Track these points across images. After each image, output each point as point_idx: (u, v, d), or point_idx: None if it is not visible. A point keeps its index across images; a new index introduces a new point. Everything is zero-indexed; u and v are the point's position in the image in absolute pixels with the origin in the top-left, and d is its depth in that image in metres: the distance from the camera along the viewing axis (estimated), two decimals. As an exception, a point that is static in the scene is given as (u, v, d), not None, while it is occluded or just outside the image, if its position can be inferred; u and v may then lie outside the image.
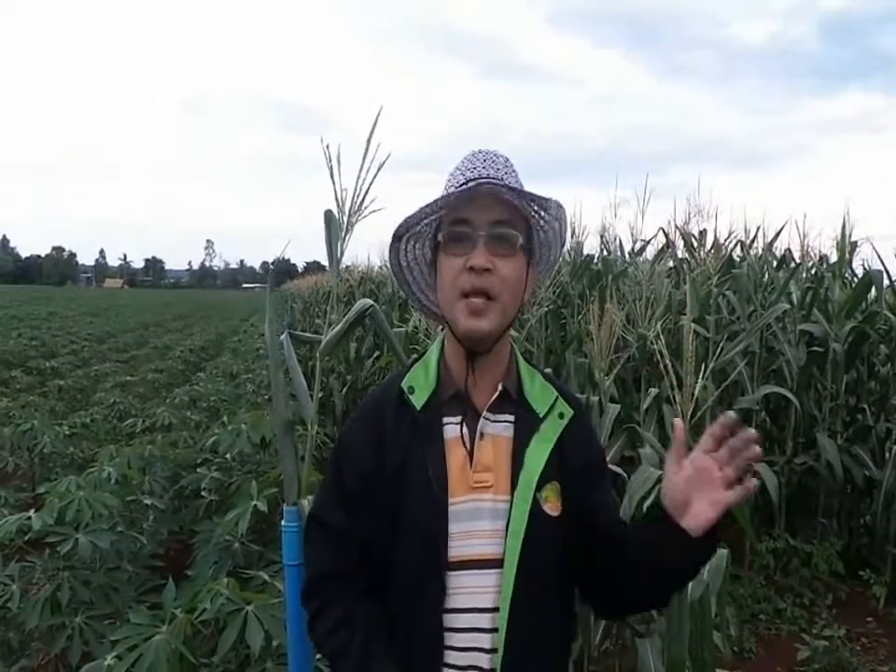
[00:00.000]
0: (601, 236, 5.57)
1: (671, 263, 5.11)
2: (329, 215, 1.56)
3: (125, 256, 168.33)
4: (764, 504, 3.97)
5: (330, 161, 1.51)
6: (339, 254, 1.58)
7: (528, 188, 1.00)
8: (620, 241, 5.55)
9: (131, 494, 2.97)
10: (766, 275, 5.23)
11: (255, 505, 2.48)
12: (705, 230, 5.52)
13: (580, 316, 4.07)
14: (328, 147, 1.49)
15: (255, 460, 3.42)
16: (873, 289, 4.57)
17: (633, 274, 4.82)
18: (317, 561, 1.07)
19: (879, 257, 4.53)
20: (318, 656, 1.75)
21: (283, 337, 1.69)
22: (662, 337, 2.46)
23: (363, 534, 1.00)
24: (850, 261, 4.78)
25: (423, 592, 0.96)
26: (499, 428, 1.01)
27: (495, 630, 0.95)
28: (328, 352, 1.67)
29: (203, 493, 3.16)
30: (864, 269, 4.66)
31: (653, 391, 3.25)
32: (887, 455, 4.12)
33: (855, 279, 4.80)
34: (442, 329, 1.06)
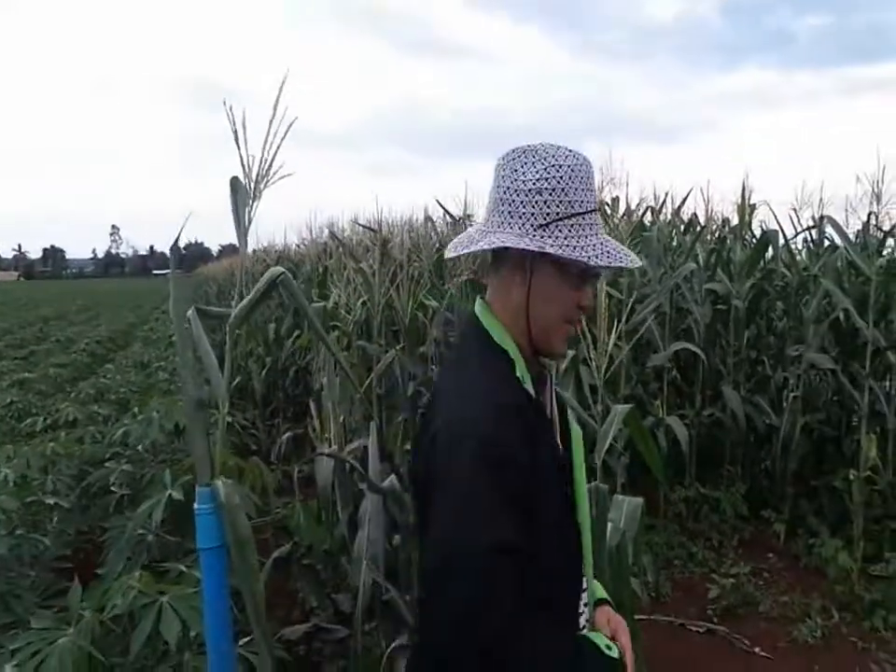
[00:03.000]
0: None
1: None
2: (234, 182, 1.50)
3: (20, 246, 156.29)
4: (676, 456, 4.18)
5: (235, 124, 1.45)
6: (246, 222, 1.52)
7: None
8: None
9: (31, 495, 2.77)
10: (675, 239, 5.46)
11: (169, 494, 2.38)
12: (617, 197, 5.74)
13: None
14: (230, 108, 1.43)
15: (169, 449, 3.26)
16: (770, 249, 4.88)
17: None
18: (508, 597, 0.84)
19: (776, 218, 4.85)
20: (244, 641, 1.71)
21: (189, 313, 1.63)
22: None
23: (532, 545, 0.88)
24: (750, 224, 5.11)
25: (568, 580, 1.01)
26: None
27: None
28: (238, 325, 1.61)
29: (112, 488, 2.98)
30: (762, 230, 4.98)
31: (570, 353, 3.32)
32: (784, 403, 4.43)
33: (754, 240, 5.07)
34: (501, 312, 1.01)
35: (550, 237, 0.93)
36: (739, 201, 5.07)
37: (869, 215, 4.24)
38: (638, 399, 4.21)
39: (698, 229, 5.25)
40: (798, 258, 5.07)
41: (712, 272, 4.77)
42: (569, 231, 0.93)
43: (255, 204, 1.51)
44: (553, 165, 0.94)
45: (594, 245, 0.93)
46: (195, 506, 1.45)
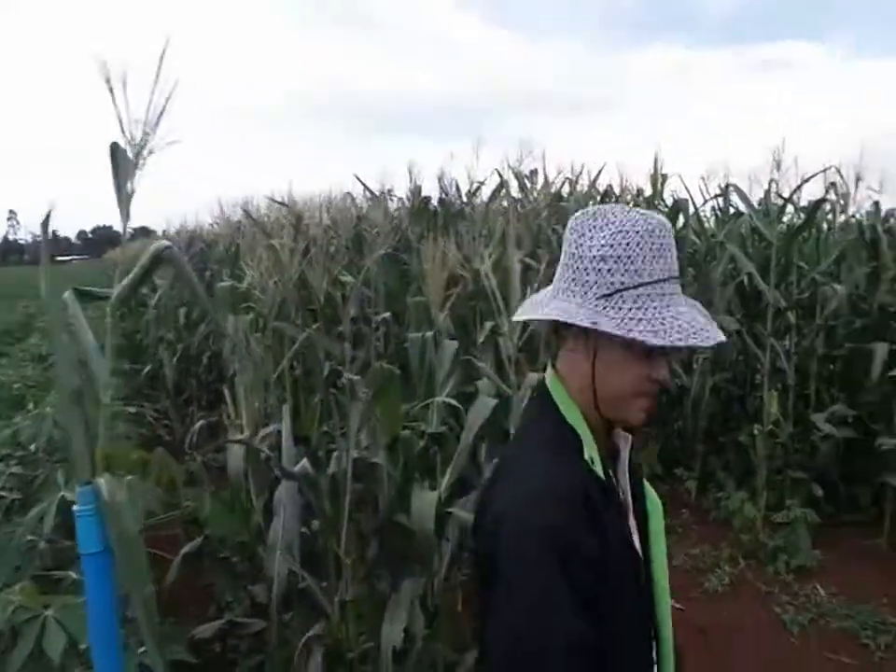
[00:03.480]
0: (439, 180, 5.64)
1: (505, 203, 5.26)
2: (114, 148, 1.38)
3: None
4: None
5: (110, 80, 1.31)
6: (129, 191, 1.40)
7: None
8: (457, 184, 5.64)
9: None
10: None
11: (62, 496, 2.21)
12: (536, 169, 5.79)
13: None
14: (105, 62, 1.29)
15: (67, 447, 3.02)
16: (681, 217, 5.05)
17: (469, 215, 4.90)
18: None
19: (686, 188, 5.05)
20: (141, 649, 1.59)
21: (66, 294, 1.48)
22: (491, 273, 2.48)
23: (601, 641, 0.83)
24: (662, 193, 5.28)
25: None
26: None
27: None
28: (119, 305, 1.51)
29: (0, 493, 2.74)
30: (673, 199, 5.16)
31: (489, 324, 3.29)
32: (695, 365, 4.60)
33: (666, 208, 5.21)
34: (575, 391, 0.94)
35: (613, 308, 0.87)
36: (652, 172, 5.23)
37: (770, 182, 4.41)
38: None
39: (613, 199, 5.34)
40: (707, 225, 5.26)
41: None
42: (634, 302, 0.87)
43: (138, 173, 1.40)
44: (621, 231, 0.88)
45: (662, 319, 0.86)
46: (74, 508, 1.32)
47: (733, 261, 4.52)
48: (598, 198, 5.64)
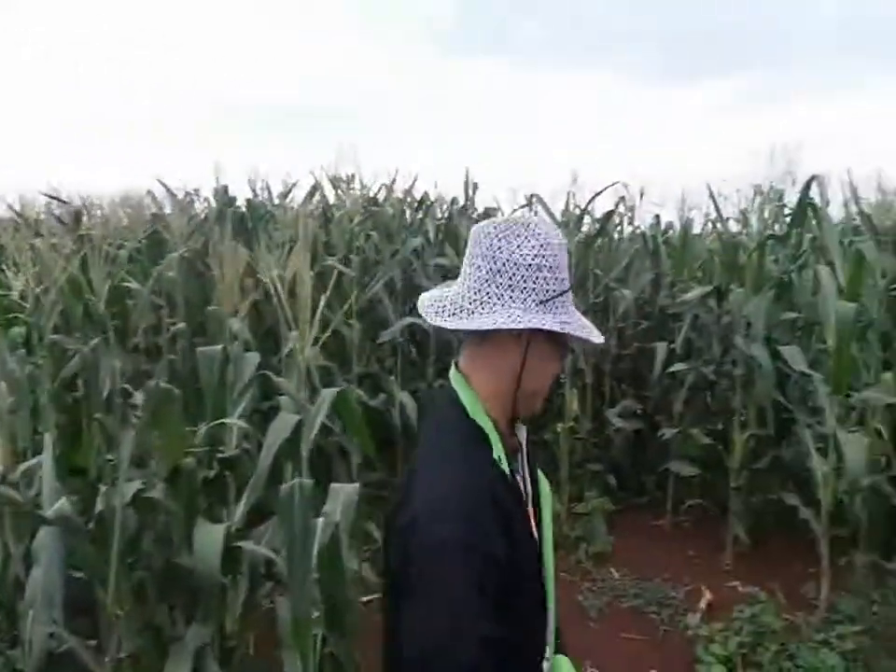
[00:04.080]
0: (248, 180, 5.35)
1: (321, 207, 5.11)
2: None
3: None
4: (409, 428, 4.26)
5: None
6: None
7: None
8: (268, 185, 5.38)
9: None
10: (408, 216, 5.58)
11: None
12: (353, 174, 5.70)
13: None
14: None
15: None
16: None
17: (280, 218, 4.67)
18: None
19: (495, 198, 5.30)
20: None
21: None
22: (280, 281, 2.33)
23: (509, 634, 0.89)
24: (474, 201, 5.47)
25: (533, 657, 0.99)
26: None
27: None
28: None
29: None
30: (485, 208, 5.37)
31: (294, 335, 3.13)
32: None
33: (477, 216, 5.39)
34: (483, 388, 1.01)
35: (549, 313, 0.97)
36: (464, 181, 5.41)
37: (569, 194, 4.75)
38: (374, 376, 4.21)
39: (428, 206, 5.42)
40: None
41: (440, 247, 4.95)
42: (561, 307, 0.98)
43: None
44: (548, 243, 0.97)
45: (576, 321, 1.00)
46: None
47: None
48: (414, 204, 5.70)
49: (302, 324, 1.96)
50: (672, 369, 4.17)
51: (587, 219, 4.99)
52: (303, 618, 1.62)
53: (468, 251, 1.01)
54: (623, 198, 5.11)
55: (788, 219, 4.03)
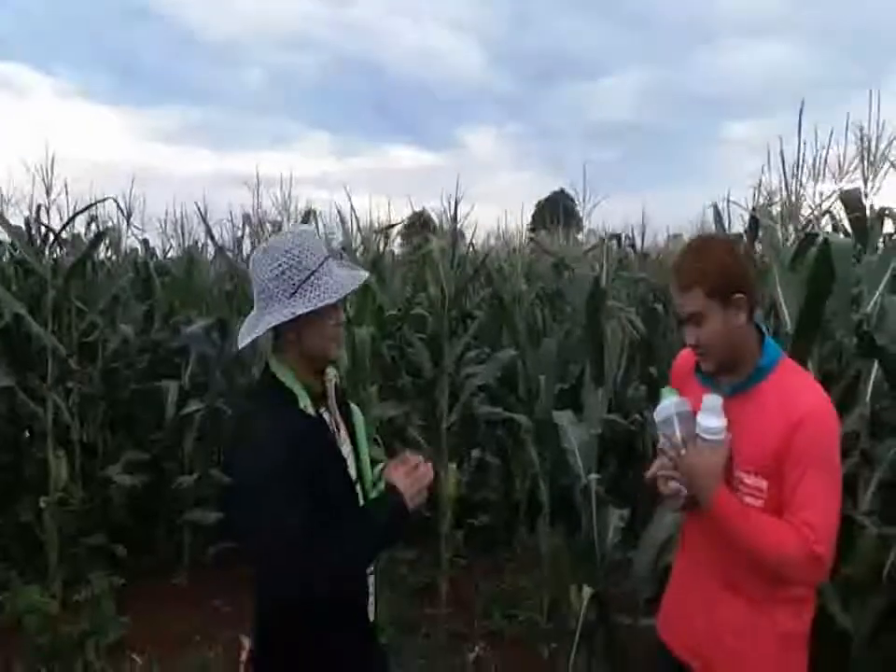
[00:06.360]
0: None
1: None
2: None
3: None
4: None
5: None
6: None
7: None
8: None
9: None
10: None
11: None
12: None
13: None
14: None
15: None
16: None
17: None
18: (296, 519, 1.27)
19: None
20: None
21: None
22: None
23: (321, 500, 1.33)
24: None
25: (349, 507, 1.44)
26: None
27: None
28: None
29: None
30: None
31: None
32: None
33: None
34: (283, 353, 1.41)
35: (302, 298, 1.33)
36: None
37: (38, 207, 3.80)
38: None
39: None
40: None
41: None
42: (311, 285, 1.34)
43: None
44: (284, 252, 1.34)
45: (330, 285, 1.35)
46: None
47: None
48: None
49: None
50: (186, 410, 3.81)
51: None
52: None
53: None
54: (95, 219, 4.34)
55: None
